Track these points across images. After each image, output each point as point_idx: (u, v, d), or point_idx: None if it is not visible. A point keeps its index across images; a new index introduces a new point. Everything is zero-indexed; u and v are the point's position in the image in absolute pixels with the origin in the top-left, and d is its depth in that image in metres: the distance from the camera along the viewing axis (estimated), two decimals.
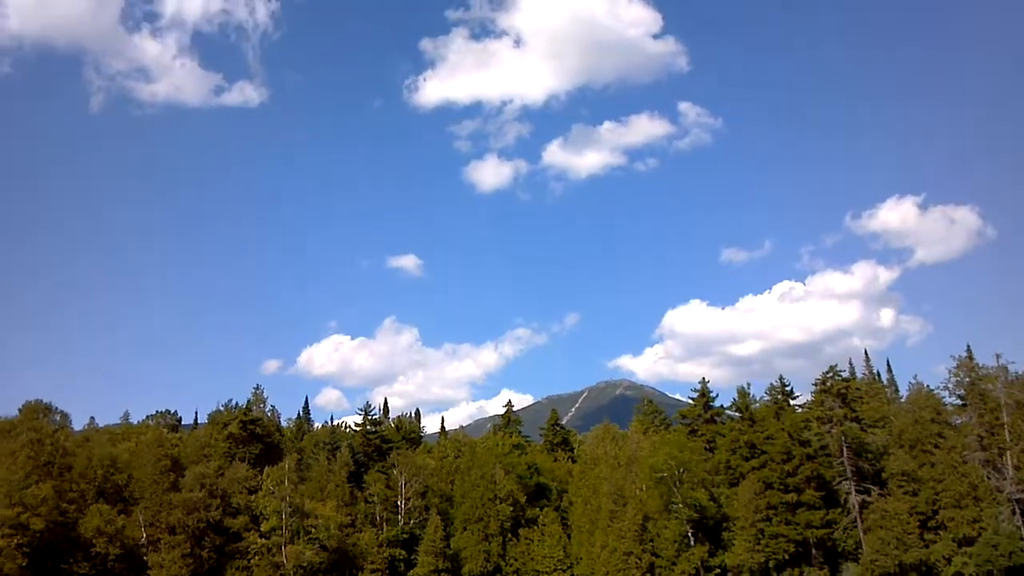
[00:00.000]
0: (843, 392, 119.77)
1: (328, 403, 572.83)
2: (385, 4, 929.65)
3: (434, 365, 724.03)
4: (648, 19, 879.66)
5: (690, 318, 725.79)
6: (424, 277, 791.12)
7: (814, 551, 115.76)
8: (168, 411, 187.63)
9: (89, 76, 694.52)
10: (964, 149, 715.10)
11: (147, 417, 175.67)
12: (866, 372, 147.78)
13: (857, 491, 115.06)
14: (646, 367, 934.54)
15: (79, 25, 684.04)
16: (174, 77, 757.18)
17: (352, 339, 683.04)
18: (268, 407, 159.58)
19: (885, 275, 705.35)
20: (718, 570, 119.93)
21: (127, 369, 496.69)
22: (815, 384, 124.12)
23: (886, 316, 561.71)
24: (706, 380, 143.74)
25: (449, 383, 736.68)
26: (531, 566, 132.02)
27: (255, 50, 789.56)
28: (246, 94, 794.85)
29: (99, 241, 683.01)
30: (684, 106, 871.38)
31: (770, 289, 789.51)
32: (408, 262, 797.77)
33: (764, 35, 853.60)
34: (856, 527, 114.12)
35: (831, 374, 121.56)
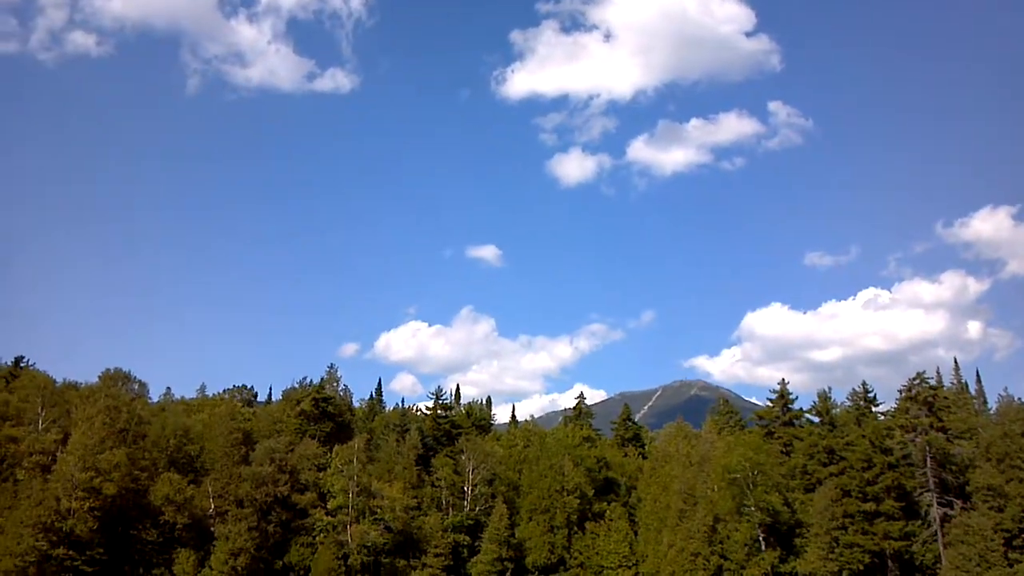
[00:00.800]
0: (930, 400, 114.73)
1: (403, 388, 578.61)
2: None
3: (509, 356, 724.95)
4: (741, 16, 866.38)
5: (770, 321, 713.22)
6: (503, 267, 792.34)
7: (890, 563, 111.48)
8: (244, 386, 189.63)
9: (186, 59, 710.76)
10: None
11: (223, 391, 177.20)
12: (954, 381, 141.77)
13: (939, 504, 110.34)
14: (722, 368, 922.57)
15: (178, 8, 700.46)
16: (268, 62, 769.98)
17: (430, 326, 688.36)
18: (341, 386, 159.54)
19: (975, 286, 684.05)
20: None
21: (208, 344, 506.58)
22: (901, 391, 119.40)
23: (974, 328, 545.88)
24: (786, 381, 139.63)
25: (523, 374, 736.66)
26: (596, 560, 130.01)
27: (348, 37, 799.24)
28: (338, 80, 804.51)
29: (189, 219, 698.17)
30: (774, 105, 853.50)
31: (855, 295, 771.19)
32: (488, 252, 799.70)
33: (859, 36, 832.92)
34: (936, 541, 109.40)
35: (918, 381, 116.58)
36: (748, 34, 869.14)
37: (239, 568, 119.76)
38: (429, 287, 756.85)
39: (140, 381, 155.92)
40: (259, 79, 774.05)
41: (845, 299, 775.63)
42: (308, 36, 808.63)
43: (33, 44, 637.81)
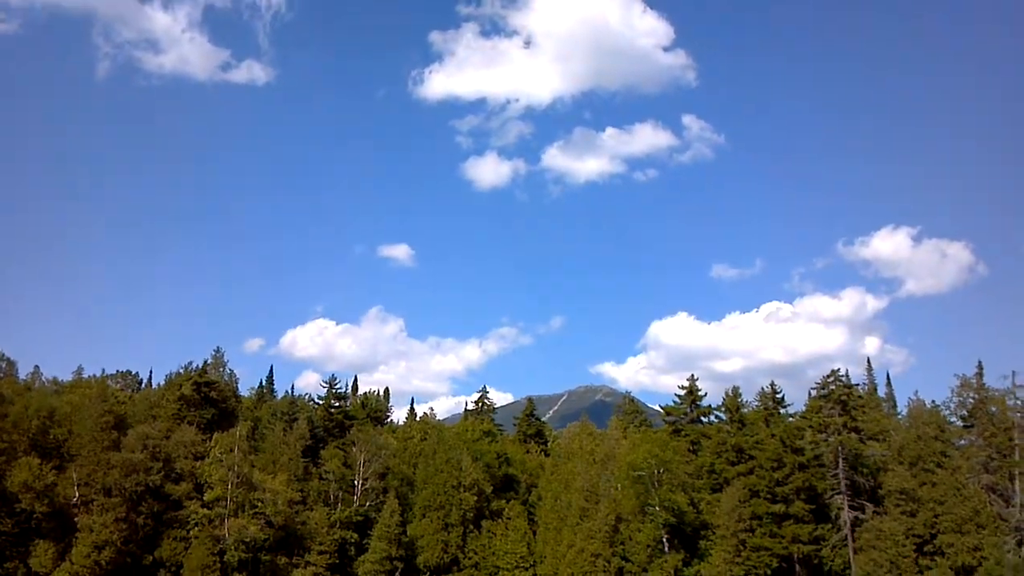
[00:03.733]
0: (844, 399, 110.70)
1: (308, 386, 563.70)
2: None
3: (417, 357, 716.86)
4: (660, 30, 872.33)
5: (675, 330, 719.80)
6: (415, 268, 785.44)
7: (799, 568, 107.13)
8: (129, 372, 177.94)
9: (98, 42, 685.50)
10: (964, 185, 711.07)
11: (106, 376, 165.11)
12: (866, 381, 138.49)
13: (851, 507, 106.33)
14: (628, 376, 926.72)
15: None
16: (182, 50, 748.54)
17: (337, 324, 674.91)
18: (227, 372, 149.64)
19: (873, 303, 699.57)
20: None
21: (103, 334, 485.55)
22: (814, 388, 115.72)
23: (871, 344, 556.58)
24: (695, 377, 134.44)
25: (431, 376, 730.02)
26: (491, 561, 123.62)
27: (266, 29, 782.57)
28: (253, 72, 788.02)
29: (89, 207, 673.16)
30: (688, 119, 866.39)
31: (757, 308, 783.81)
32: (400, 252, 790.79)
33: (773, 56, 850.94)
34: (846, 545, 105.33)
35: (832, 379, 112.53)
36: (666, 48, 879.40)
37: (103, 562, 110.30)
38: (338, 285, 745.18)
39: (8, 359, 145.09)
40: (172, 67, 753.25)
41: (748, 311, 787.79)
42: (225, 26, 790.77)
43: None
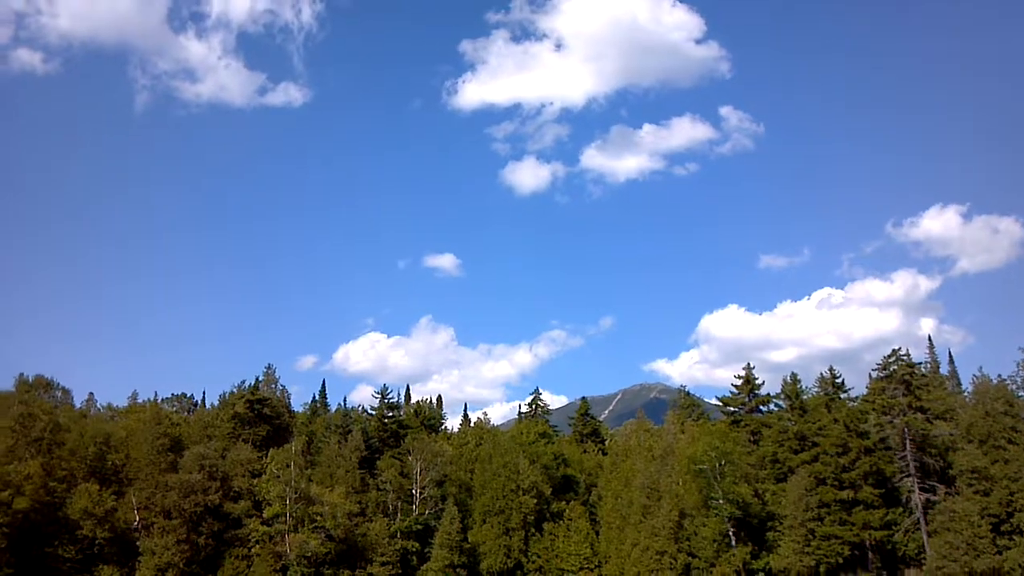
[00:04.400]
0: (907, 379, 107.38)
1: (363, 399, 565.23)
2: (427, 6, 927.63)
3: (469, 364, 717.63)
4: (690, 23, 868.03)
5: (727, 323, 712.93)
6: (461, 277, 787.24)
7: (871, 555, 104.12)
8: (184, 395, 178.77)
9: (134, 75, 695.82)
10: (1009, 159, 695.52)
11: (161, 400, 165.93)
12: (929, 359, 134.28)
13: (921, 489, 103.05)
14: (681, 371, 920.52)
15: (126, 25, 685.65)
16: (219, 77, 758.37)
17: (388, 337, 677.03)
18: (279, 388, 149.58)
19: (926, 284, 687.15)
20: (762, 573, 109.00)
21: (157, 359, 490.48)
22: (875, 368, 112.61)
23: (926, 325, 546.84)
24: (751, 366, 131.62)
25: (484, 383, 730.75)
26: (555, 564, 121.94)
27: (299, 51, 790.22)
28: (289, 94, 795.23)
29: (141, 236, 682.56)
30: (726, 111, 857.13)
31: (809, 296, 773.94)
32: (446, 261, 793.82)
33: (808, 41, 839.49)
34: (919, 529, 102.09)
35: (894, 358, 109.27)
36: (698, 41, 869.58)
37: None
38: (387, 298, 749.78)
39: (63, 388, 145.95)
40: (209, 94, 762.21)
41: (799, 299, 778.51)
42: (259, 50, 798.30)
43: None
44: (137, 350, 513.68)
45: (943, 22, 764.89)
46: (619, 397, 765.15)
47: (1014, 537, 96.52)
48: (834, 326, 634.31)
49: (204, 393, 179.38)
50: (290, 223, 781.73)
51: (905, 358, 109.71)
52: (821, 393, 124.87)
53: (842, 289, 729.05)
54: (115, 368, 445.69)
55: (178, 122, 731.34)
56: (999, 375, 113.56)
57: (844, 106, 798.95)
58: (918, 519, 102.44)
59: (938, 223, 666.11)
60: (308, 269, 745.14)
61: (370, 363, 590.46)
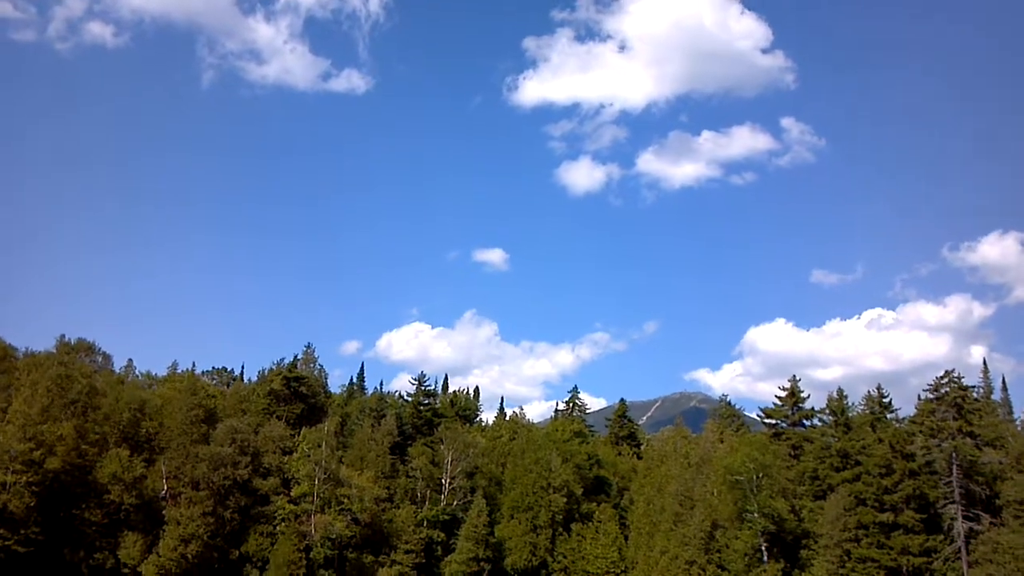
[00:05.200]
0: (959, 402, 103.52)
1: (403, 388, 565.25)
2: (494, 1, 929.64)
3: (510, 360, 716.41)
4: (758, 32, 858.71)
5: (773, 337, 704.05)
6: (509, 272, 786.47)
7: None
8: (224, 369, 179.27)
9: (202, 54, 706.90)
10: None
11: (201, 373, 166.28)
12: (982, 383, 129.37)
13: (965, 518, 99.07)
14: (723, 383, 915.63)
15: (197, 4, 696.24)
16: (284, 60, 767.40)
17: (432, 328, 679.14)
18: (317, 368, 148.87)
19: (979, 310, 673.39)
20: None
21: (204, 333, 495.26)
22: (927, 389, 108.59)
23: (977, 352, 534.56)
24: (796, 378, 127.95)
25: (524, 380, 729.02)
26: (581, 565, 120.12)
27: (364, 39, 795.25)
28: (352, 81, 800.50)
29: (198, 210, 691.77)
30: (787, 122, 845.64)
31: (859, 315, 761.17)
32: (495, 256, 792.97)
33: (874, 57, 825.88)
34: (960, 559, 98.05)
35: (946, 380, 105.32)
36: (764, 50, 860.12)
37: (190, 556, 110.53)
38: (433, 288, 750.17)
39: (104, 353, 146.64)
40: (275, 77, 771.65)
41: (849, 318, 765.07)
42: (325, 36, 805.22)
43: (50, 33, 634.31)
44: (183, 322, 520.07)
45: (1010, 46, 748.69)
46: (658, 404, 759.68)
47: None
48: (882, 347, 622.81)
49: (243, 367, 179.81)
50: (344, 208, 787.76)
51: (958, 380, 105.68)
52: (867, 412, 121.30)
53: (893, 310, 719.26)
54: (159, 339, 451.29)
55: (243, 102, 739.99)
56: None
57: (907, 125, 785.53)
58: (959, 548, 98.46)
59: (996, 249, 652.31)
60: (358, 255, 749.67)
61: (412, 352, 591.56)
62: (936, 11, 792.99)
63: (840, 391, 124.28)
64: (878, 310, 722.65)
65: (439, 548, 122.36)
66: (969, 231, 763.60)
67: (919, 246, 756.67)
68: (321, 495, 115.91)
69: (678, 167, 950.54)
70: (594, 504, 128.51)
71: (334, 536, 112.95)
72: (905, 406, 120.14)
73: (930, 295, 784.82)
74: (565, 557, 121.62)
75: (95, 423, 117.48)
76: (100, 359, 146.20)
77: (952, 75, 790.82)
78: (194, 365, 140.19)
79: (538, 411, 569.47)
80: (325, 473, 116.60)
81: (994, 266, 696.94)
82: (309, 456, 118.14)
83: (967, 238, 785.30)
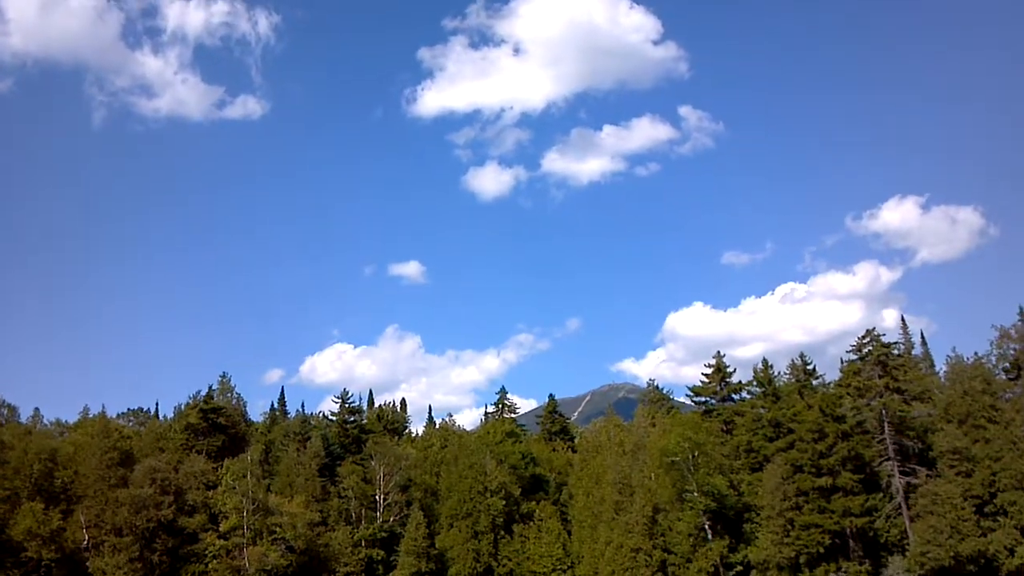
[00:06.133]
0: (883, 360, 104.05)
1: (328, 409, 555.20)
2: (384, 14, 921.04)
3: (437, 371, 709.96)
4: (647, 25, 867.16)
5: (692, 321, 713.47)
6: (426, 284, 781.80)
7: (852, 543, 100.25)
8: (140, 409, 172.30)
9: (91, 92, 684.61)
10: (966, 149, 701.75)
11: (117, 416, 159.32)
12: (902, 338, 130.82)
13: (902, 473, 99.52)
14: (648, 370, 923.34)
15: (81, 42, 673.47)
16: (176, 91, 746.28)
17: (355, 347, 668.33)
18: (235, 397, 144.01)
19: (887, 275, 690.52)
20: (740, 567, 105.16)
21: (114, 377, 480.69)
22: (849, 349, 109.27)
23: (890, 316, 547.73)
24: (721, 354, 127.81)
25: (453, 389, 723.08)
26: (527, 566, 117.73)
27: (257, 63, 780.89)
28: (248, 107, 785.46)
29: (99, 252, 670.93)
30: (685, 110, 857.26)
31: (772, 291, 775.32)
32: (411, 269, 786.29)
33: (763, 39, 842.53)
34: (901, 514, 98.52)
35: (868, 339, 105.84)
36: (655, 42, 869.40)
37: None
38: (352, 307, 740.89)
39: (10, 405, 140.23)
40: (168, 109, 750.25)
41: (763, 295, 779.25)
42: (216, 63, 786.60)
43: None
44: (93, 367, 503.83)
45: (899, 10, 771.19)
46: (588, 399, 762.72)
47: (998, 518, 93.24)
48: (798, 320, 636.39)
49: (157, 404, 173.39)
50: (251, 235, 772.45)
51: (879, 339, 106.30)
52: (793, 381, 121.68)
53: (805, 283, 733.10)
54: (69, 386, 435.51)
55: (136, 137, 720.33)
56: (975, 353, 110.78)
57: (801, 101, 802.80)
58: (899, 504, 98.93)
59: (897, 215, 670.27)
60: (271, 281, 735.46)
61: (337, 374, 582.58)
62: None
63: (765, 361, 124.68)
64: (790, 284, 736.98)
65: (380, 567, 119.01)
66: (869, 199, 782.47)
67: (823, 218, 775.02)
68: (251, 526, 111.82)
69: (583, 163, 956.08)
70: (533, 503, 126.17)
71: (269, 567, 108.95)
72: (827, 374, 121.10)
73: (839, 265, 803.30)
74: (510, 560, 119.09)
75: (4, 478, 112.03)
76: (5, 411, 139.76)
77: (839, 45, 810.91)
78: (104, 408, 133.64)
79: (470, 419, 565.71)
80: (253, 503, 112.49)
81: (896, 231, 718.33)
82: (235, 488, 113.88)
83: (868, 206, 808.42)
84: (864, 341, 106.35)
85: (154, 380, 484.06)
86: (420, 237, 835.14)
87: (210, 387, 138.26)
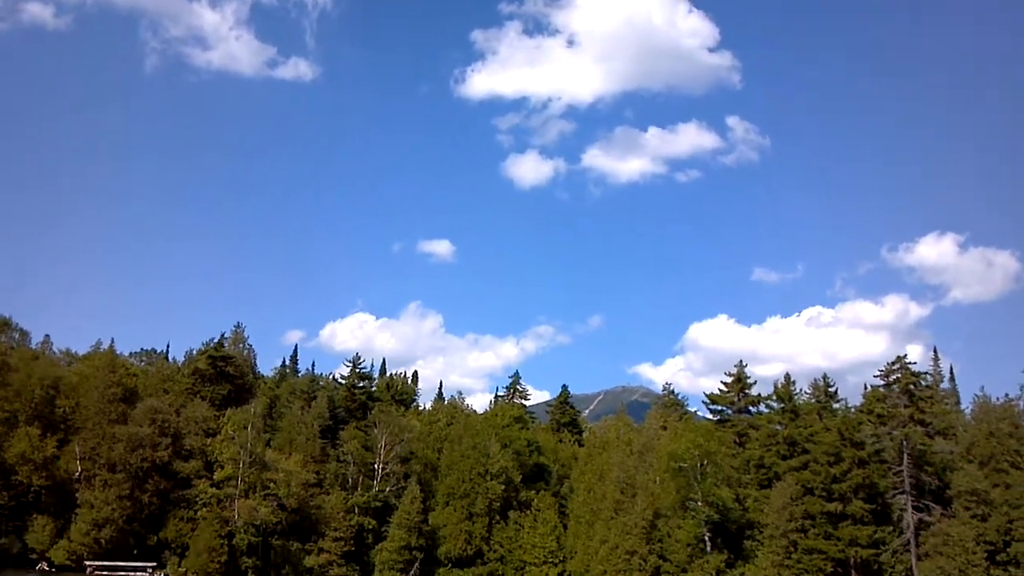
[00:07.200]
0: (910, 389, 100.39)
1: (341, 375, 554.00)
2: None
3: (455, 352, 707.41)
4: (705, 31, 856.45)
5: (715, 332, 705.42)
6: (455, 264, 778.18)
7: (854, 573, 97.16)
8: (153, 350, 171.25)
9: (146, 38, 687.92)
10: (1011, 193, 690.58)
11: (129, 354, 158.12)
12: (932, 370, 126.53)
13: (915, 508, 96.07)
14: (665, 377, 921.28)
15: None
16: (230, 47, 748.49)
17: (376, 319, 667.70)
18: (246, 348, 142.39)
19: (916, 310, 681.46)
20: None
21: (142, 323, 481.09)
22: (877, 374, 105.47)
23: (914, 352, 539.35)
24: (743, 363, 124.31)
25: (468, 372, 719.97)
26: (518, 555, 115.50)
27: (312, 26, 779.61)
28: (299, 69, 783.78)
29: (138, 193, 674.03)
30: (733, 120, 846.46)
31: (799, 313, 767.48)
32: (441, 247, 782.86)
33: (819, 59, 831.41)
34: (909, 551, 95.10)
35: (898, 365, 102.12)
36: (711, 49, 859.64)
37: (103, 541, 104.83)
38: (378, 279, 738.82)
39: (22, 330, 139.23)
40: (219, 63, 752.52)
41: (789, 316, 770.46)
42: (272, 23, 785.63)
43: None
44: (116, 303, 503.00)
45: (956, 49, 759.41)
46: (600, 397, 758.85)
47: (1009, 568, 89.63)
48: (821, 345, 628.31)
49: (168, 346, 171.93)
50: (289, 197, 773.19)
51: (909, 367, 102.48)
52: (813, 401, 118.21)
53: (832, 308, 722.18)
54: (87, 319, 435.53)
55: (186, 87, 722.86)
56: (1006, 394, 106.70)
57: (850, 126, 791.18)
58: (908, 540, 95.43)
59: (934, 251, 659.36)
60: (302, 244, 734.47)
61: (356, 343, 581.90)
62: (882, 10, 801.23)
63: (788, 377, 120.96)
64: (817, 308, 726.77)
65: (370, 536, 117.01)
66: (907, 232, 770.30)
67: (858, 246, 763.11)
68: (246, 479, 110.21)
69: (624, 163, 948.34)
70: (533, 492, 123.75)
71: (258, 522, 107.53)
72: (847, 400, 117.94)
73: (868, 294, 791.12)
74: (502, 546, 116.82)
75: (4, 399, 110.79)
76: (17, 335, 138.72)
77: (895, 77, 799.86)
78: (113, 342, 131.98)
79: (481, 403, 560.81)
80: (251, 456, 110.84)
81: (931, 267, 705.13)
82: (234, 438, 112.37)
83: (905, 239, 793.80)
84: (893, 367, 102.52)
85: (173, 324, 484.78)
86: (453, 217, 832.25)
87: (222, 335, 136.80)
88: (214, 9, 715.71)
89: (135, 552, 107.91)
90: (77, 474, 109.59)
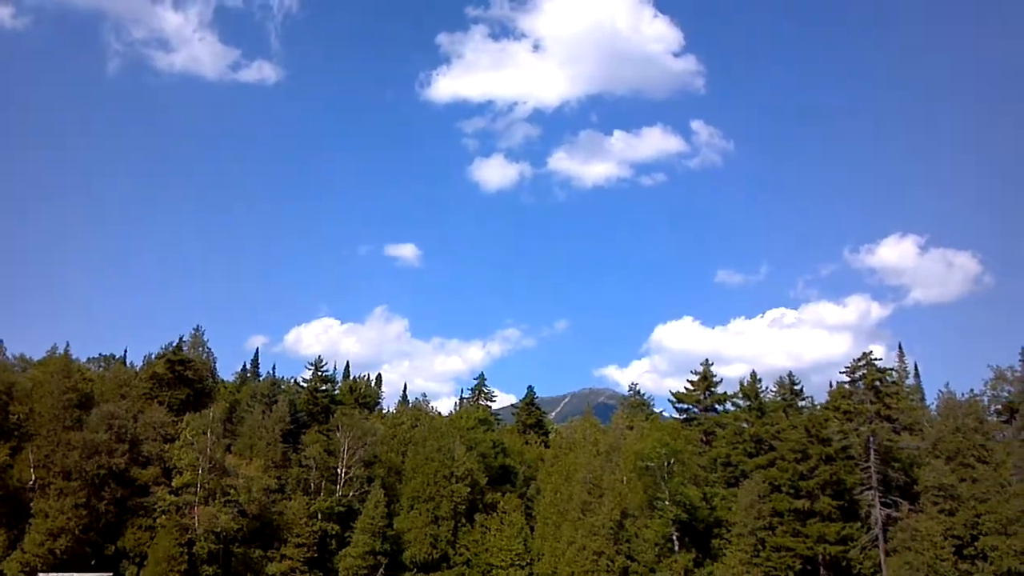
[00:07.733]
0: (877, 385, 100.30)
1: (303, 378, 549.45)
2: None
3: (421, 356, 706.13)
4: (670, 36, 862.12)
5: (680, 334, 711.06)
6: (421, 268, 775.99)
7: (823, 570, 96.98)
8: (112, 356, 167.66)
9: (108, 39, 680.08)
10: (972, 195, 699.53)
11: (87, 360, 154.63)
12: (898, 367, 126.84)
13: (882, 504, 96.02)
14: (631, 379, 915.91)
15: None
16: (193, 49, 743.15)
17: (341, 323, 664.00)
18: (205, 351, 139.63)
19: (878, 311, 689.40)
20: None
21: (101, 331, 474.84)
22: (843, 371, 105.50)
23: (876, 351, 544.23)
24: (709, 362, 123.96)
25: (434, 376, 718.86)
26: (484, 558, 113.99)
27: (277, 29, 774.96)
28: (263, 72, 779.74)
29: (99, 197, 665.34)
30: (697, 125, 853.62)
31: (762, 314, 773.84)
32: (406, 251, 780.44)
33: (782, 62, 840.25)
34: (877, 547, 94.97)
35: (864, 362, 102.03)
36: (676, 54, 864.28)
37: (59, 551, 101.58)
38: (343, 283, 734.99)
39: None
40: (182, 65, 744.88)
41: (753, 317, 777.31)
42: (235, 25, 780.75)
43: None
44: (73, 310, 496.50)
45: (917, 53, 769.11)
46: (567, 400, 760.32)
47: (977, 562, 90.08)
48: (785, 346, 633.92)
49: (126, 351, 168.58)
50: (253, 201, 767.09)
51: (875, 363, 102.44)
52: (779, 398, 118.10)
53: (795, 309, 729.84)
54: (43, 326, 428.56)
55: (149, 90, 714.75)
56: (971, 390, 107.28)
57: (812, 130, 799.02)
58: (876, 535, 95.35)
59: (895, 252, 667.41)
60: (266, 249, 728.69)
61: (321, 347, 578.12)
62: (842, 14, 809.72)
63: (754, 375, 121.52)
64: (781, 309, 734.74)
65: (333, 541, 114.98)
66: (869, 234, 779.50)
67: (821, 248, 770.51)
68: (205, 485, 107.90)
69: (589, 166, 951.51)
70: (499, 494, 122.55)
71: (219, 529, 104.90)
72: (812, 398, 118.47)
73: (831, 295, 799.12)
74: (468, 549, 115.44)
75: None
76: None
77: (856, 81, 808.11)
78: (68, 346, 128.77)
79: (447, 407, 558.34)
80: (210, 462, 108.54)
81: (892, 268, 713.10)
82: (193, 444, 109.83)
83: (867, 240, 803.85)
84: (859, 364, 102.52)
85: (132, 330, 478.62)
86: (419, 221, 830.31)
87: (180, 338, 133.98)
88: (177, 11, 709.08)
89: (92, 562, 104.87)
90: (31, 483, 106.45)
